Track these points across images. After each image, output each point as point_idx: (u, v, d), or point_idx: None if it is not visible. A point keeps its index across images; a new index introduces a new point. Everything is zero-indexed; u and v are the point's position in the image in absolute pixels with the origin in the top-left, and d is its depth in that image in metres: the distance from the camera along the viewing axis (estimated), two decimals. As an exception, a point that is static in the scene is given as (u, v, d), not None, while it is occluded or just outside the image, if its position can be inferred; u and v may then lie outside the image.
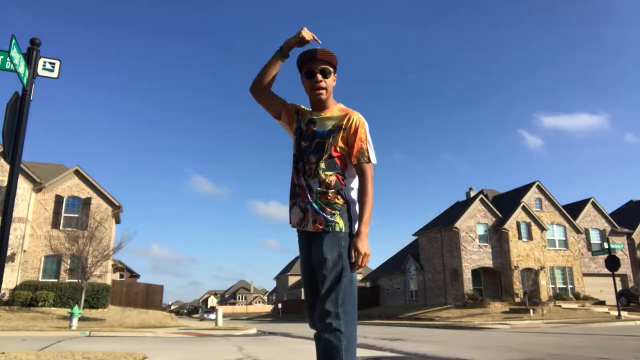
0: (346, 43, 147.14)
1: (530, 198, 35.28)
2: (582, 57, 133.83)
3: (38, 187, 24.87)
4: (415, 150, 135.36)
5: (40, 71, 4.99)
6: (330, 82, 2.34)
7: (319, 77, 2.29)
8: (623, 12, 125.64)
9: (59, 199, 26.00)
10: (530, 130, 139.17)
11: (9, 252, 20.48)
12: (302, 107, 2.46)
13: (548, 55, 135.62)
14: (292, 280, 76.37)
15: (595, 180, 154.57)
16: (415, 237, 40.56)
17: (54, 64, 5.12)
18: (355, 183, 2.30)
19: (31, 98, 4.74)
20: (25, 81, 4.68)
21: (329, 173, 2.24)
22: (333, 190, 2.23)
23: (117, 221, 28.92)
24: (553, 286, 33.26)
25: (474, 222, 33.70)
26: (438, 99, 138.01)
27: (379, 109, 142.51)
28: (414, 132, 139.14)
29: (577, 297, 32.37)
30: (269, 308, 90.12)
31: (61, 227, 25.35)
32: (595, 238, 36.82)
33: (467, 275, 32.17)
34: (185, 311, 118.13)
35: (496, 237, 33.77)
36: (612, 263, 24.99)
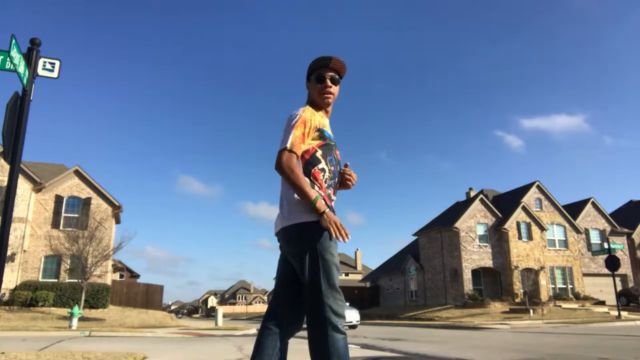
0: (335, 46, 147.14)
1: (530, 198, 35.27)
2: (549, 59, 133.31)
3: (38, 187, 24.87)
4: (403, 152, 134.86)
5: (40, 71, 5.00)
6: (336, 90, 2.35)
7: (328, 82, 2.30)
8: (586, 14, 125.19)
9: (59, 199, 25.99)
10: (516, 133, 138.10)
11: (9, 252, 20.50)
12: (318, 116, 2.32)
13: (516, 57, 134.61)
14: (292, 280, 76.15)
15: (590, 181, 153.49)
16: (415, 237, 40.56)
17: (54, 64, 5.13)
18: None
19: (31, 98, 4.74)
20: (25, 81, 4.68)
21: None
22: None
23: (117, 221, 28.90)
24: (553, 286, 33.25)
25: (474, 222, 33.69)
26: (426, 101, 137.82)
27: (375, 109, 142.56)
28: (400, 133, 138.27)
29: (577, 297, 32.38)
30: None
31: (61, 227, 25.34)
32: (595, 238, 36.81)
33: (467, 275, 32.17)
34: (185, 311, 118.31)
35: (496, 237, 33.77)
36: (612, 263, 24.99)
